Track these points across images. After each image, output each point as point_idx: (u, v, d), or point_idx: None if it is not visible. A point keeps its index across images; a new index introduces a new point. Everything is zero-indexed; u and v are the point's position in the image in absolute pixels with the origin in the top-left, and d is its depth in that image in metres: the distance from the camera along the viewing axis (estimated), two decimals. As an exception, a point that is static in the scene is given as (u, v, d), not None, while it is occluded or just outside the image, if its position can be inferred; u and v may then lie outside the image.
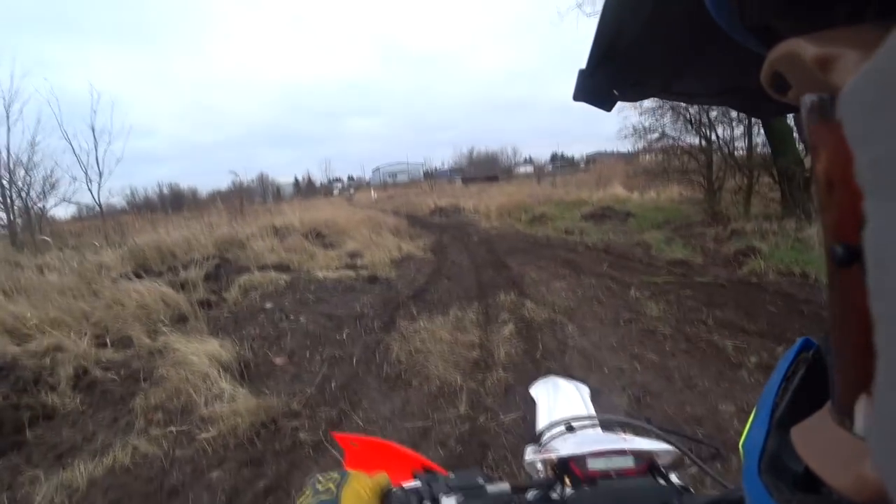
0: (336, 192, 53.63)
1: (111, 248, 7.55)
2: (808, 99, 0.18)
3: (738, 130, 7.63)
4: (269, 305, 4.51)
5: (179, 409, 2.61)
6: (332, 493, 0.45)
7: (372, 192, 37.09)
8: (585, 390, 1.08)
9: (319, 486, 0.47)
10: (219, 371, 2.89)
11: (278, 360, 3.28)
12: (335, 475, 0.49)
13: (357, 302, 4.52)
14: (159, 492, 2.01)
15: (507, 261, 6.13)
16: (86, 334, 3.66)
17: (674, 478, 0.61)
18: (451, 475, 0.57)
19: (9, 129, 9.76)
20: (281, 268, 6.07)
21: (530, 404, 1.08)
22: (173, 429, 2.43)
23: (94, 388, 3.02)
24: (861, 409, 0.17)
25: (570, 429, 0.75)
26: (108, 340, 3.72)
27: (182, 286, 5.15)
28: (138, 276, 5.43)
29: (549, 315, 3.77)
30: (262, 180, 49.92)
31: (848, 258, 0.16)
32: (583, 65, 0.35)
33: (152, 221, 12.29)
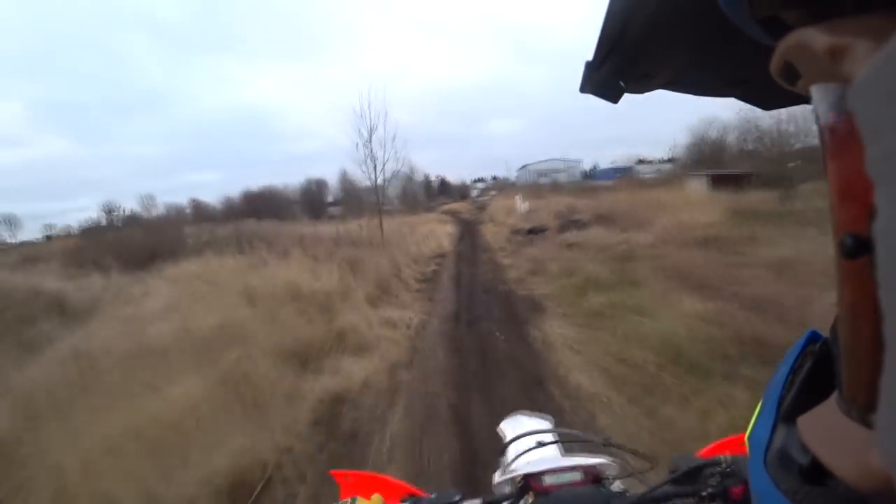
0: (474, 194, 51.51)
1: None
2: (818, 89, 0.17)
3: None
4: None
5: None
6: None
7: (518, 200, 18.18)
8: (549, 422, 1.09)
9: None
10: None
11: None
12: (346, 501, 0.61)
13: None
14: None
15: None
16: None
17: (617, 485, 0.70)
18: (433, 495, 0.69)
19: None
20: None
21: (499, 441, 1.02)
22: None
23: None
24: (868, 399, 0.16)
25: (526, 449, 0.81)
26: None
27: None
28: None
29: None
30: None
31: (857, 249, 0.15)
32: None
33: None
